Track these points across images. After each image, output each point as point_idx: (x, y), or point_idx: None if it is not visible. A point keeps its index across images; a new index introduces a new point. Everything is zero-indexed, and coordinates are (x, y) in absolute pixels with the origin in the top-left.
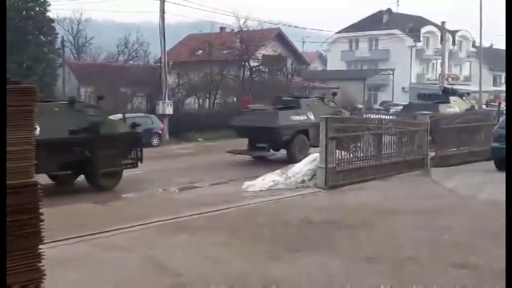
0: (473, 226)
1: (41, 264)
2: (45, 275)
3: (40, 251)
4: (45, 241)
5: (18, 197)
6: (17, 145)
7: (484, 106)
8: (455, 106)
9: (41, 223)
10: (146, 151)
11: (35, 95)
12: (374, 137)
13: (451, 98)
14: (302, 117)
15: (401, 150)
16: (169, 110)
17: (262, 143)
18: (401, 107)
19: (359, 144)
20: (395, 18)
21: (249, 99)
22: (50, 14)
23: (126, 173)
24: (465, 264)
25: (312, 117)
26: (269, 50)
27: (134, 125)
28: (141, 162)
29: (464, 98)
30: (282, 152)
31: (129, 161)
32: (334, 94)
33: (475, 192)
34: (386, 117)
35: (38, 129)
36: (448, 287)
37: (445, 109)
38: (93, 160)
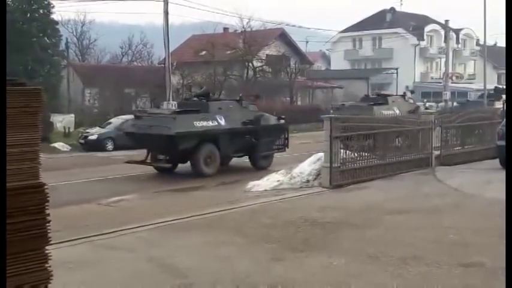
0: (478, 225)
1: (48, 265)
2: (52, 275)
3: (47, 252)
4: (51, 242)
5: (24, 198)
6: (22, 146)
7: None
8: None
9: (47, 224)
10: None
11: (40, 96)
12: (378, 136)
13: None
14: (210, 123)
15: (405, 149)
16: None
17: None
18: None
19: (363, 143)
20: (399, 17)
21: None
22: (54, 16)
23: None
24: (471, 263)
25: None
26: (272, 50)
27: (280, 118)
28: (288, 148)
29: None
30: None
31: (279, 146)
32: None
33: (480, 191)
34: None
35: (224, 120)
36: (454, 286)
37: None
38: (257, 145)
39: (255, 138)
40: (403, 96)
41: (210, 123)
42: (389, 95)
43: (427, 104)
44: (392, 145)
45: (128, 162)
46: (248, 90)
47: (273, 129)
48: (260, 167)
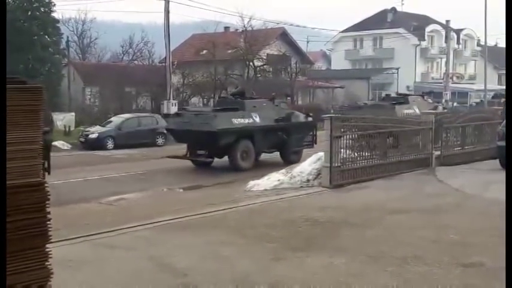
0: (479, 225)
1: (48, 263)
2: (52, 273)
3: (47, 250)
4: (52, 240)
5: (25, 196)
6: (23, 144)
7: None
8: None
9: (48, 222)
10: (150, 150)
11: (41, 94)
12: (379, 136)
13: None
14: (246, 120)
15: (406, 149)
16: (174, 110)
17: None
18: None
19: (364, 143)
20: (400, 17)
21: None
22: (55, 15)
23: None
24: (471, 263)
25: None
26: (273, 49)
27: (308, 115)
28: (316, 144)
29: (425, 97)
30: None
31: (307, 143)
32: (287, 95)
33: (480, 191)
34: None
35: (258, 118)
36: (454, 286)
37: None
38: (288, 142)
39: (286, 134)
40: (422, 96)
41: (246, 121)
42: (409, 95)
43: (444, 104)
44: (393, 145)
45: (168, 157)
46: (249, 90)
47: (303, 126)
48: (291, 161)
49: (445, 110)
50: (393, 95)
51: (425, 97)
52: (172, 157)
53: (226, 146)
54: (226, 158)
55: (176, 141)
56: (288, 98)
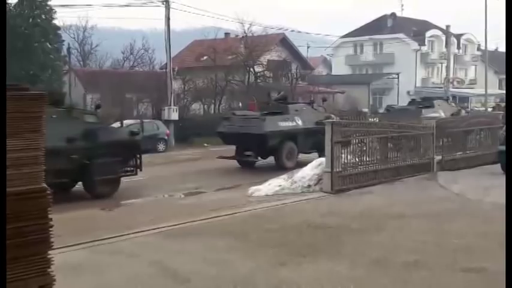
0: (481, 230)
1: (50, 269)
2: (55, 280)
3: (49, 256)
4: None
5: (27, 203)
6: (25, 151)
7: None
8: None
9: (50, 229)
10: (152, 157)
11: (44, 101)
12: (380, 141)
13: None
14: (290, 123)
15: (407, 154)
16: (174, 116)
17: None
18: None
19: (365, 148)
20: (400, 22)
21: (254, 104)
22: (56, 22)
23: (132, 179)
24: (473, 268)
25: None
26: (274, 55)
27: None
28: (141, 170)
29: (449, 101)
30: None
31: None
32: (324, 100)
33: (482, 195)
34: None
35: (300, 121)
36: None
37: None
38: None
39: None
40: (447, 100)
41: (290, 124)
42: (434, 99)
43: (468, 109)
44: (394, 150)
45: (219, 157)
46: (250, 95)
47: None
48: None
49: (467, 114)
50: (418, 99)
51: (449, 101)
52: (222, 158)
53: (273, 147)
54: (224, 161)
55: (225, 144)
56: (326, 101)
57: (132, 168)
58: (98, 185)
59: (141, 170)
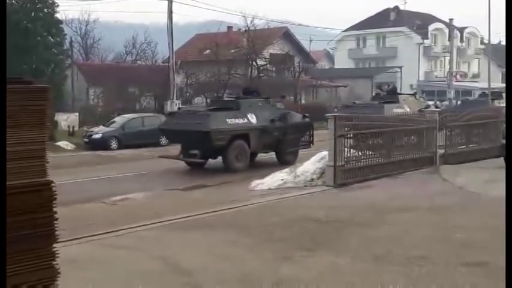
0: (484, 224)
1: (55, 262)
2: (59, 273)
3: (54, 249)
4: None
5: (32, 196)
6: (30, 144)
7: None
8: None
9: (54, 222)
10: (153, 151)
11: (48, 94)
12: (383, 135)
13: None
14: (241, 120)
15: (410, 147)
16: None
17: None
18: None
19: (368, 141)
20: (403, 15)
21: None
22: (58, 16)
23: None
24: (477, 262)
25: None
26: (276, 48)
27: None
28: (313, 144)
29: (417, 96)
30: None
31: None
32: (283, 97)
33: (485, 189)
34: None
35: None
36: (459, 285)
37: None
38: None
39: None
40: (414, 94)
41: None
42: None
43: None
44: (397, 144)
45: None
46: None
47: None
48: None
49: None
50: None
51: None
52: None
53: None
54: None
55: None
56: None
57: (306, 143)
58: (287, 154)
59: (313, 144)
